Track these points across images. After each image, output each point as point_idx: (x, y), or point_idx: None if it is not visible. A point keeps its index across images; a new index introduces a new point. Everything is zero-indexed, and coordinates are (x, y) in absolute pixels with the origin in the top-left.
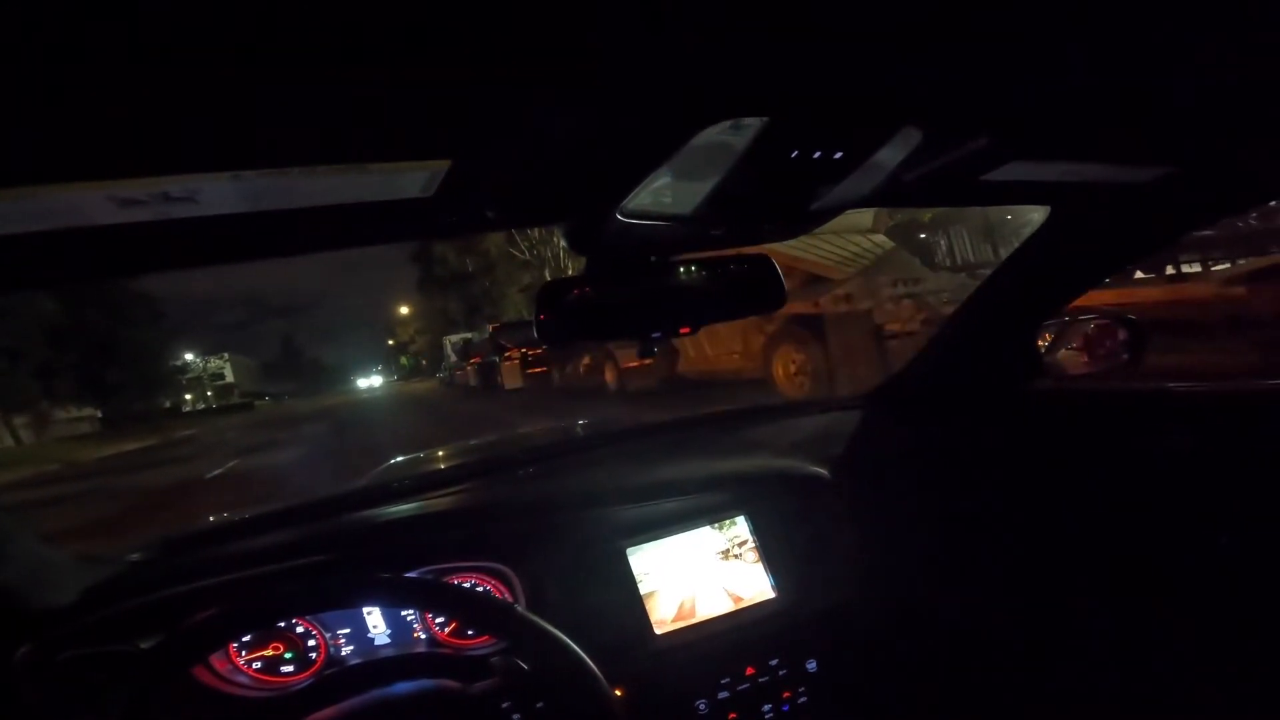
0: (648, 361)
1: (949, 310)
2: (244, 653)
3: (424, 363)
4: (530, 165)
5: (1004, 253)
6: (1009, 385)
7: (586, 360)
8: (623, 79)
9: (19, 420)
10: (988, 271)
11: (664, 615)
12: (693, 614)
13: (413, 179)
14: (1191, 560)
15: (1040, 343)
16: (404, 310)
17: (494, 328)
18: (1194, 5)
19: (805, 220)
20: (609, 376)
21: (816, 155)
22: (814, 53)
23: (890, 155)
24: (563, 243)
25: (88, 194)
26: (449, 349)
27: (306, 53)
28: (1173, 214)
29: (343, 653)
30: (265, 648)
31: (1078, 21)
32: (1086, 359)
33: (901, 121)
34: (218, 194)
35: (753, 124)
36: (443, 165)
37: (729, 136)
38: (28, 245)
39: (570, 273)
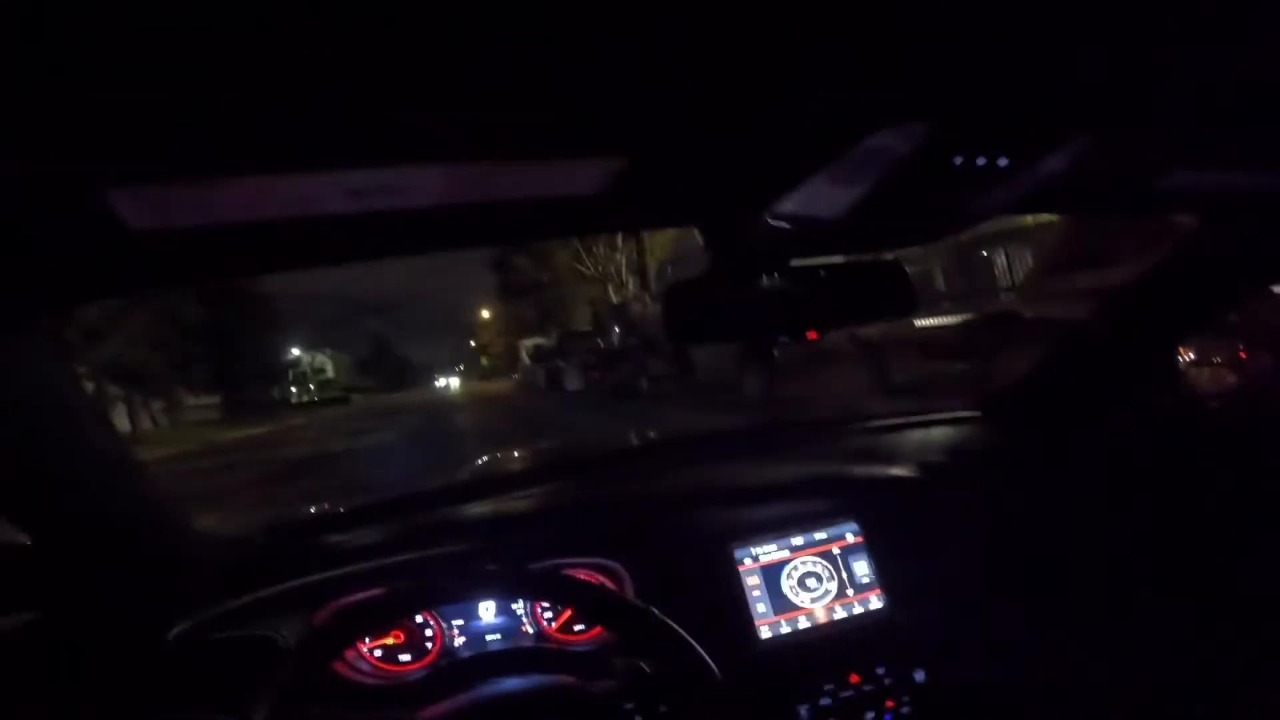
0: (681, 370)
1: (874, 335)
2: (368, 640)
3: (500, 364)
4: (699, 165)
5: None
6: (1141, 398)
7: (629, 367)
8: (798, 84)
9: (156, 406)
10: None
11: (770, 617)
12: (799, 618)
13: (588, 176)
14: None
15: (1185, 356)
16: (485, 314)
17: (561, 335)
18: None
19: (948, 226)
20: (644, 382)
21: (980, 162)
22: (984, 58)
23: (1055, 161)
24: (624, 260)
25: (321, 184)
26: (523, 353)
27: (506, 55)
28: None
29: (456, 643)
30: (386, 636)
31: (1262, 16)
32: (1234, 379)
33: (1071, 127)
34: (424, 187)
35: (920, 128)
36: (619, 162)
37: (895, 140)
38: (266, 233)
39: (630, 287)
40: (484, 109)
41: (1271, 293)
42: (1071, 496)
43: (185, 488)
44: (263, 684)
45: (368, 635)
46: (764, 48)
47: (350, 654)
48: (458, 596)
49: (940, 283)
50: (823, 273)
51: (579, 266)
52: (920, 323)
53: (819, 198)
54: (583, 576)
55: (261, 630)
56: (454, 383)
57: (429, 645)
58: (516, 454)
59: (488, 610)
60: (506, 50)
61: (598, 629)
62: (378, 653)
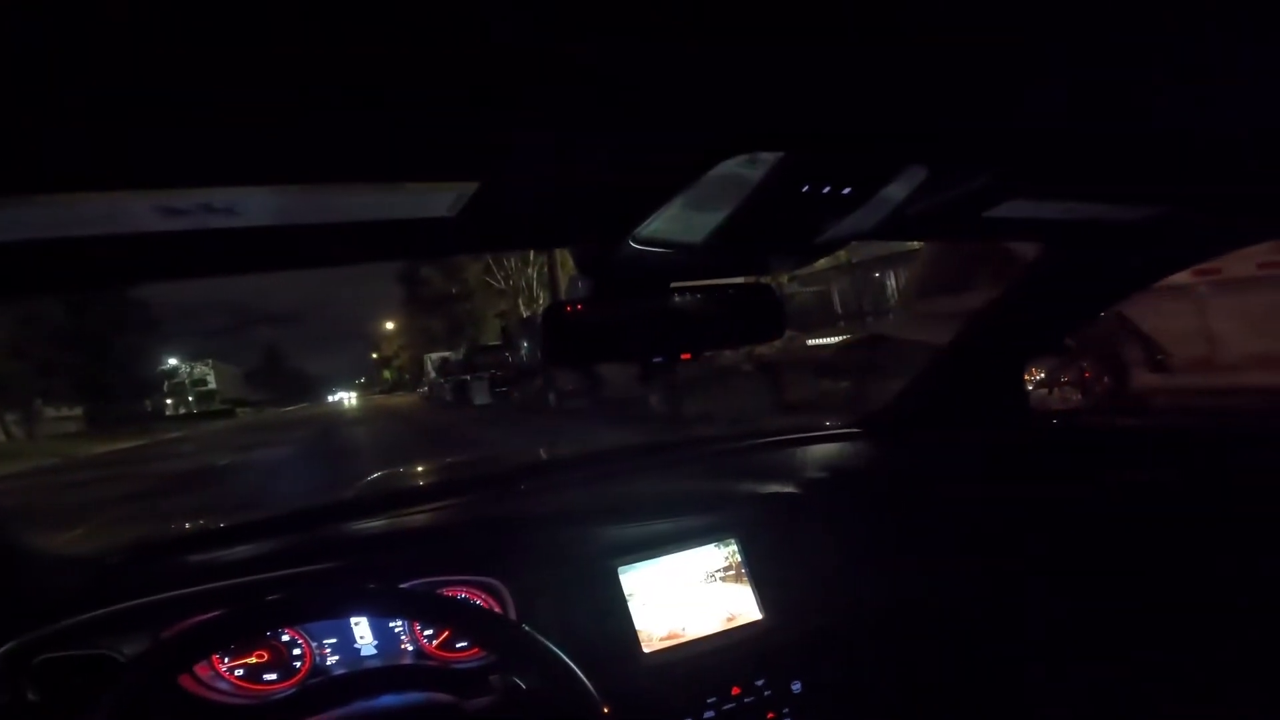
0: (584, 386)
1: (769, 354)
2: (227, 659)
3: (406, 377)
4: (553, 191)
5: None
6: (995, 416)
7: (538, 383)
8: (647, 112)
9: (11, 417)
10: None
11: (653, 634)
12: (682, 634)
13: (440, 199)
14: (1166, 584)
15: (1029, 377)
16: (389, 326)
17: (468, 349)
18: (1191, 54)
19: (811, 251)
20: (551, 397)
21: (826, 190)
22: (830, 90)
23: (896, 190)
24: (535, 274)
25: (133, 202)
26: (429, 366)
27: (352, 76)
28: (1162, 253)
29: (328, 662)
30: (249, 655)
31: (1080, 66)
32: (1079, 396)
33: (909, 158)
34: (256, 206)
35: (768, 158)
36: (470, 187)
37: (744, 169)
38: (70, 250)
39: (542, 301)
40: (319, 132)
41: (1108, 316)
42: (942, 509)
43: (40, 504)
44: (94, 703)
45: (208, 655)
46: (611, 76)
47: (206, 673)
48: (301, 617)
49: (837, 303)
50: (696, 296)
51: (490, 280)
52: (811, 342)
53: (682, 222)
54: (461, 594)
55: (102, 651)
56: (353, 397)
57: (297, 664)
58: (410, 470)
59: (363, 628)
60: (341, 74)
61: (493, 646)
62: (239, 672)
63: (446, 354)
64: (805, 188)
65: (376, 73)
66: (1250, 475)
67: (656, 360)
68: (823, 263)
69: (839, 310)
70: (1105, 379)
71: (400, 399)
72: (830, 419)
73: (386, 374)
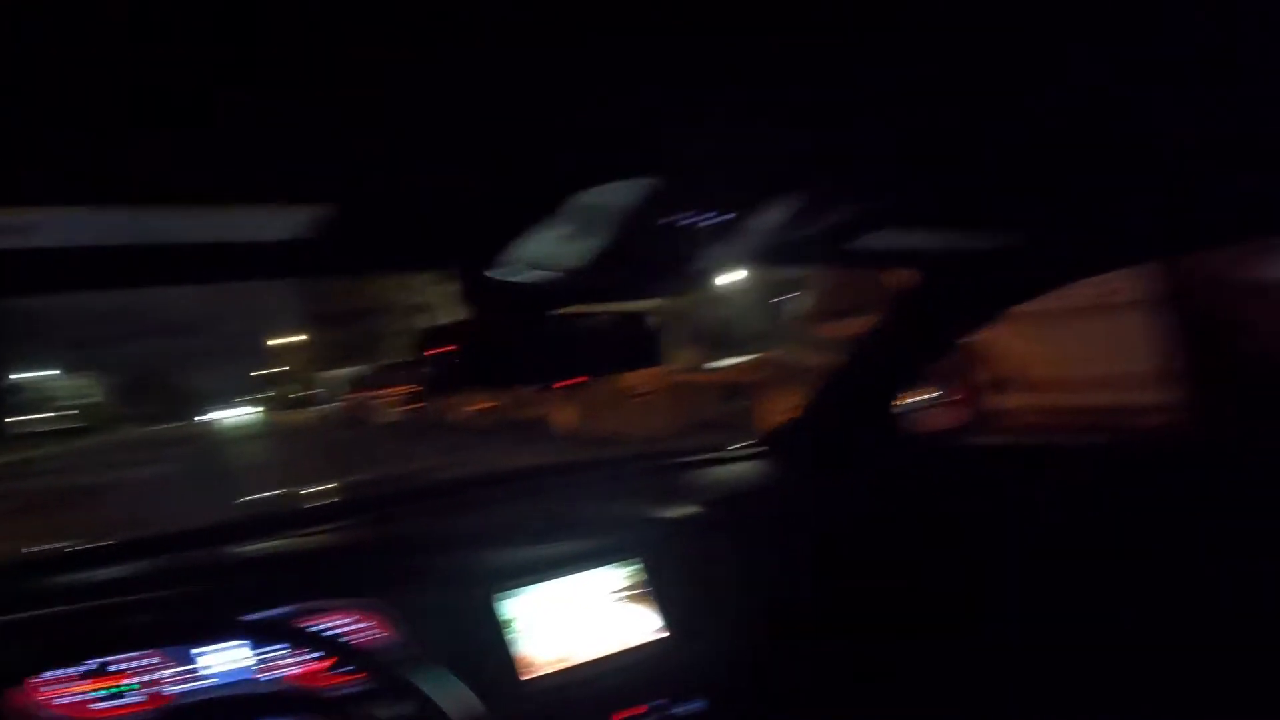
0: (490, 405)
1: (676, 377)
2: (76, 683)
3: (310, 394)
4: (412, 211)
5: None
6: (876, 437)
7: (446, 401)
8: (510, 133)
9: None
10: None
11: (546, 658)
12: (579, 657)
13: (286, 220)
14: (1051, 592)
15: (917, 396)
16: (294, 340)
17: (376, 367)
18: (1052, 85)
19: (689, 279)
20: (459, 416)
21: (702, 217)
22: (704, 119)
23: (771, 219)
24: (449, 290)
25: None
26: (337, 381)
27: (176, 89)
28: (1026, 278)
29: (188, 687)
30: (99, 679)
31: (939, 98)
32: (956, 415)
33: (783, 188)
34: (61, 226)
35: (645, 185)
36: (318, 209)
37: (617, 196)
38: None
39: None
40: (134, 152)
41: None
42: (841, 526)
43: None
44: None
45: (38, 675)
46: (471, 91)
47: (56, 695)
48: (144, 643)
49: (737, 326)
50: (573, 322)
51: (401, 295)
52: (710, 365)
53: (560, 248)
54: (340, 619)
55: None
56: (251, 412)
57: (153, 690)
58: (295, 492)
59: (232, 653)
60: (162, 85)
61: (359, 675)
62: (86, 696)
63: (358, 369)
64: (682, 215)
65: (202, 85)
66: (1123, 490)
67: (533, 387)
68: (722, 287)
69: (738, 334)
70: (979, 399)
71: (305, 415)
72: (730, 439)
73: (288, 392)
